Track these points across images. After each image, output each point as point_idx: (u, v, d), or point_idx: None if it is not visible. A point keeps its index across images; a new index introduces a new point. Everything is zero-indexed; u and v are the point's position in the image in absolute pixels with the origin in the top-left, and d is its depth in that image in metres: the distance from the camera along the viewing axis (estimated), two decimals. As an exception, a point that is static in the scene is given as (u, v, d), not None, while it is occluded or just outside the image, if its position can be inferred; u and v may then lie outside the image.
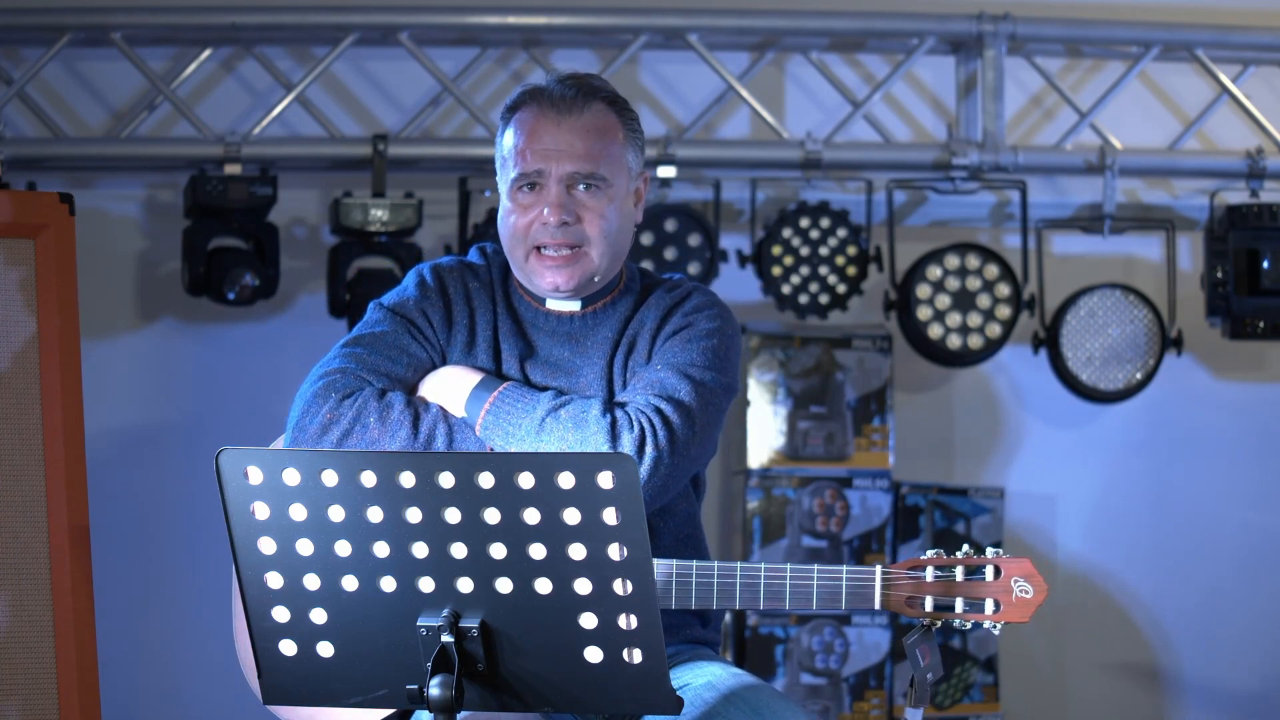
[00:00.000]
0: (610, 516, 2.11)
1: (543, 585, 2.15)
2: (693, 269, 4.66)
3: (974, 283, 4.73)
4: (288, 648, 2.23)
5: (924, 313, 4.71)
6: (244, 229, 4.55)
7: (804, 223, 4.72)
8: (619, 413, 2.58)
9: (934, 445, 4.92)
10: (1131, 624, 4.95)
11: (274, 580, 2.19)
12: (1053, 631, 4.89)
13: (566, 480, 2.11)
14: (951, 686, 4.70)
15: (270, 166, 4.60)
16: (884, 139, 4.80)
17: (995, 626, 2.47)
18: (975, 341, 4.72)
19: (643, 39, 4.69)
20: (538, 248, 2.68)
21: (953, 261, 4.73)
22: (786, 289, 4.72)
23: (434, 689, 2.16)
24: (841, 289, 4.72)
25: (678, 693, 2.24)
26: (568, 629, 2.17)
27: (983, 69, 4.76)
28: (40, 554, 3.36)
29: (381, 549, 2.16)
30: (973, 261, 4.73)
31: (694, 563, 2.51)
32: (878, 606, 2.47)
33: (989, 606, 2.46)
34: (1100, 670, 4.94)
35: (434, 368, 2.71)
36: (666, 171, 4.65)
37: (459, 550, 2.15)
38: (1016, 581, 2.46)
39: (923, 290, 4.72)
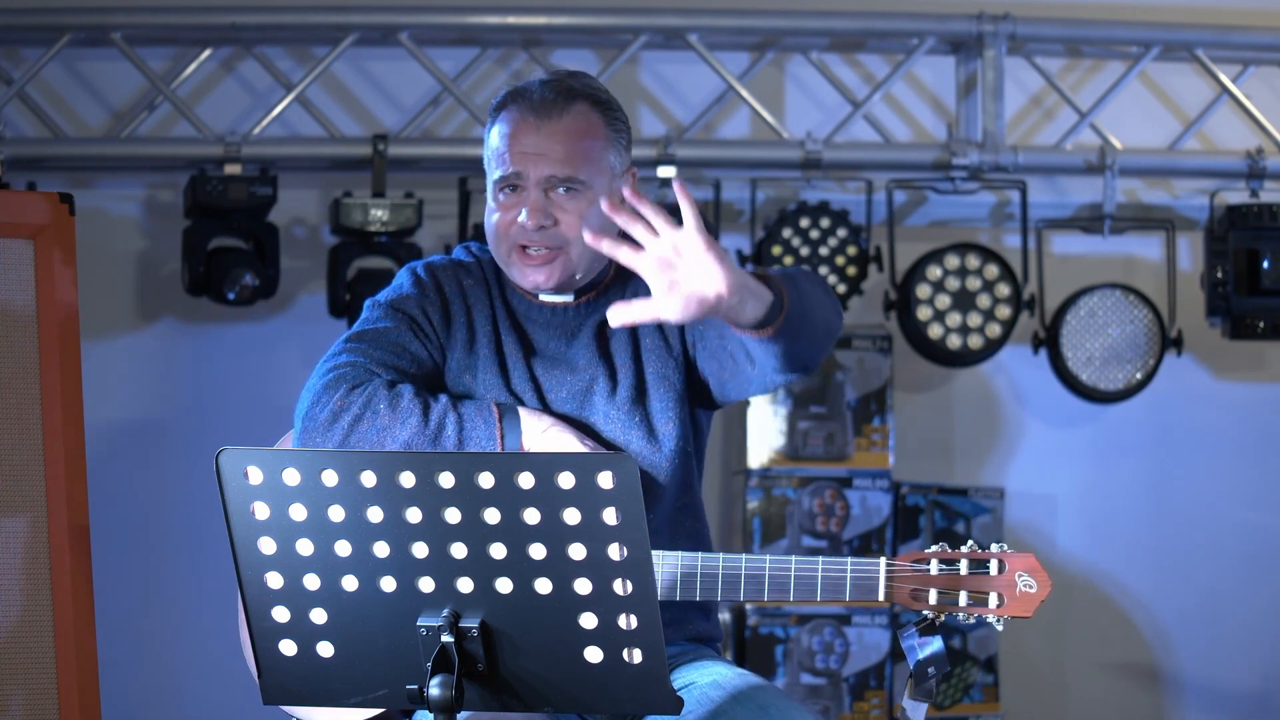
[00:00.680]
0: (610, 516, 2.11)
1: (543, 585, 2.15)
2: (693, 269, 4.65)
3: (974, 283, 4.73)
4: (288, 648, 2.23)
5: (924, 313, 4.71)
6: (244, 229, 4.55)
7: (804, 223, 4.72)
8: None
9: (934, 445, 4.92)
10: (1131, 624, 4.95)
11: (274, 580, 2.19)
12: (1053, 631, 4.89)
13: (566, 480, 2.11)
14: (951, 686, 4.70)
15: (270, 166, 4.60)
16: (884, 139, 4.80)
17: (999, 620, 2.46)
18: (975, 341, 4.72)
19: (643, 39, 4.69)
20: (521, 246, 2.69)
21: (953, 261, 4.73)
22: (786, 289, 4.71)
23: (434, 689, 2.16)
24: (841, 289, 4.71)
25: (681, 692, 2.23)
26: (568, 629, 2.16)
27: (983, 69, 4.75)
28: (40, 554, 3.36)
29: (381, 549, 2.16)
30: (973, 261, 4.73)
31: (699, 554, 2.51)
32: (881, 598, 2.47)
33: (993, 600, 2.45)
34: (1100, 670, 4.94)
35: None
36: (666, 171, 4.65)
37: (459, 550, 2.15)
38: (1021, 576, 2.46)
39: (923, 290, 4.72)
